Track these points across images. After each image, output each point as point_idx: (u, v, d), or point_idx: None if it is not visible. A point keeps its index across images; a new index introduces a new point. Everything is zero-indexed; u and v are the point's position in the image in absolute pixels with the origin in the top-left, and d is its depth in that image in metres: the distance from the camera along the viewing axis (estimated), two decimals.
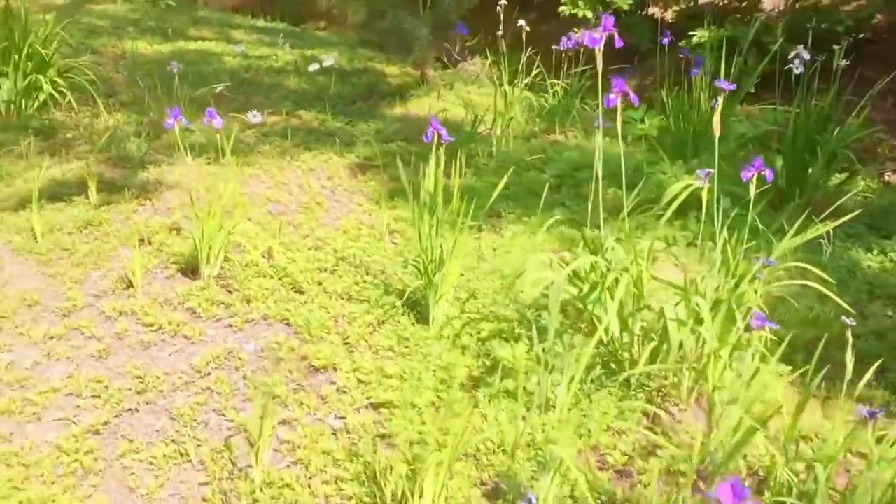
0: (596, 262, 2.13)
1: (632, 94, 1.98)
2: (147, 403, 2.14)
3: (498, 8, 4.87)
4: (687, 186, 2.29)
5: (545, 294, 2.51)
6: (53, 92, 4.30)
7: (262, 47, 6.72)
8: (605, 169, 3.91)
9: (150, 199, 3.37)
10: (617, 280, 2.16)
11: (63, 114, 4.41)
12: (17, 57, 4.14)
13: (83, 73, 4.57)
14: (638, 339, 2.13)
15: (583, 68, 4.87)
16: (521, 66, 4.83)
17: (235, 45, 6.74)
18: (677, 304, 2.05)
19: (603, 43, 1.98)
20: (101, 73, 4.89)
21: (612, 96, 1.98)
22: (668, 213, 2.34)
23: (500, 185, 2.60)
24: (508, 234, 3.14)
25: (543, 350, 1.97)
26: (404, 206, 3.40)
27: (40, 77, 4.23)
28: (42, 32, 4.38)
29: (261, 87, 5.37)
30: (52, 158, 3.74)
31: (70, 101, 4.36)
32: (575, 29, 6.25)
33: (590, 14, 6.21)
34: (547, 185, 3.70)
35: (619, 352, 2.20)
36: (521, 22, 4.82)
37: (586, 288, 2.18)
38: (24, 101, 4.27)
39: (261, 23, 8.99)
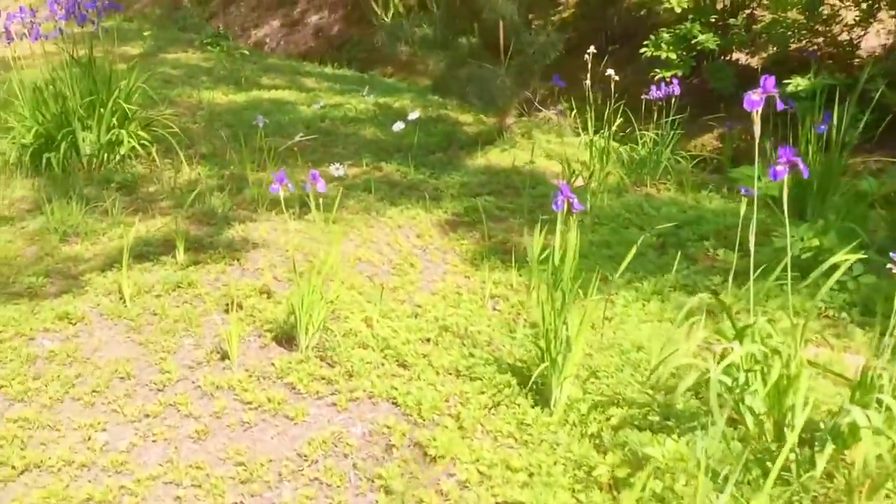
0: (752, 351, 1.90)
1: (801, 165, 1.77)
2: (252, 496, 1.97)
3: (586, 56, 4.71)
4: (841, 257, 2.05)
5: (675, 374, 2.30)
6: (137, 145, 4.26)
7: (335, 95, 6.69)
8: (710, 227, 3.73)
9: (238, 259, 3.25)
10: (769, 366, 1.93)
11: (144, 167, 4.38)
12: (101, 110, 4.12)
13: (163, 125, 4.54)
14: (799, 438, 1.88)
15: (673, 117, 4.67)
16: (606, 116, 4.66)
17: (308, 92, 6.73)
18: (852, 400, 1.81)
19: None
20: (179, 124, 4.87)
21: (779, 168, 1.77)
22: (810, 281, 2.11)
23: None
24: (620, 302, 2.92)
25: (705, 452, 1.74)
26: (503, 268, 3.22)
27: (122, 131, 4.20)
28: (125, 85, 4.37)
29: (338, 137, 5.29)
30: (136, 215, 3.67)
31: (152, 155, 4.31)
32: (657, 70, 6.08)
33: (673, 56, 6.02)
34: (650, 245, 3.51)
35: (774, 449, 1.95)
36: (610, 71, 4.65)
37: (739, 376, 1.95)
38: (107, 155, 4.25)
39: (329, 69, 9.02)
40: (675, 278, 3.09)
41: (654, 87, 4.74)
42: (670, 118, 4.65)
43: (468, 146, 5.18)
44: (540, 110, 6.21)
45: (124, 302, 2.87)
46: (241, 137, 4.82)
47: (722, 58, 6.48)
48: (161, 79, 6.47)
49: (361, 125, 5.64)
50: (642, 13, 6.90)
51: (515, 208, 3.98)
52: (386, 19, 7.41)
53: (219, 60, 7.64)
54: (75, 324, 2.74)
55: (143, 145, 4.35)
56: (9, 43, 4.10)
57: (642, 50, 6.28)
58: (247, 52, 7.99)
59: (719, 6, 6.44)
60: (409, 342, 2.61)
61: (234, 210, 3.80)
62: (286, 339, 2.64)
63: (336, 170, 4.17)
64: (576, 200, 2.19)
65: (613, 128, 4.70)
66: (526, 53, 4.93)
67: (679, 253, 3.41)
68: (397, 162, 4.66)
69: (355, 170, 4.54)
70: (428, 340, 2.65)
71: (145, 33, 9.36)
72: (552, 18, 8.04)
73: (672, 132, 4.68)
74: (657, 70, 6.08)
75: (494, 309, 2.95)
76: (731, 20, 6.34)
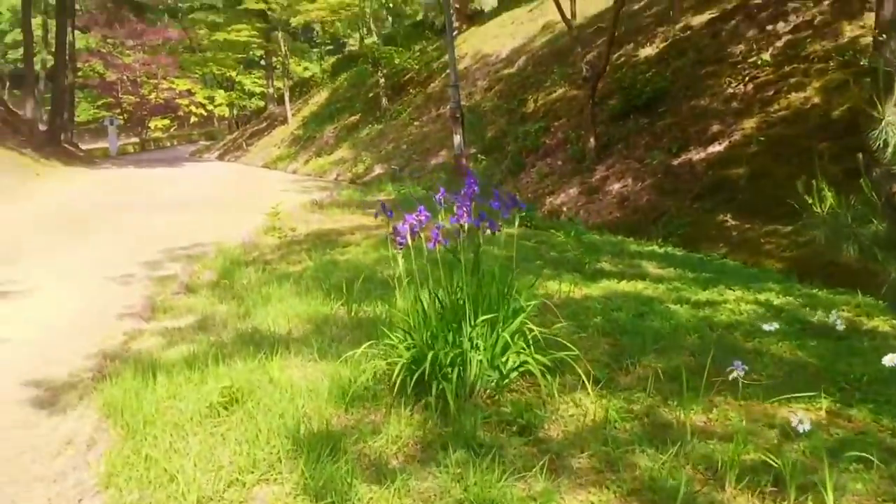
0: None
1: None
2: None
3: None
4: None
5: None
6: (535, 369, 3.50)
7: (694, 287, 5.73)
8: None
9: None
10: None
11: (533, 393, 3.60)
12: (497, 329, 3.44)
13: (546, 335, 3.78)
14: None
15: None
16: None
17: (660, 283, 5.85)
18: None
19: None
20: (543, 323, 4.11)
21: None
22: None
23: None
24: None
25: None
26: None
27: (521, 354, 3.47)
28: (515, 294, 3.70)
29: (744, 355, 4.24)
30: (553, 478, 2.82)
31: (548, 381, 3.53)
32: None
33: None
34: None
35: None
36: None
37: None
38: (494, 380, 3.53)
39: (655, 247, 8.18)
40: None
41: None
42: None
43: None
44: None
45: None
46: (629, 351, 3.97)
47: None
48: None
49: (762, 336, 4.56)
50: None
51: None
52: (819, 211, 6.41)
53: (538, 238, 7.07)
54: None
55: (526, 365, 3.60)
56: (400, 247, 3.60)
57: None
58: (597, 238, 7.33)
59: None
60: None
61: (692, 486, 2.81)
62: None
63: (799, 422, 3.08)
64: None
65: None
66: None
67: None
68: (868, 408, 3.48)
69: (810, 414, 3.41)
70: None
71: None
72: None
73: None
74: None
75: None
76: None
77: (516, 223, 3.80)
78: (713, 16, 12.97)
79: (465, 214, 3.58)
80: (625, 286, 5.70)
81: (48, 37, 29.69)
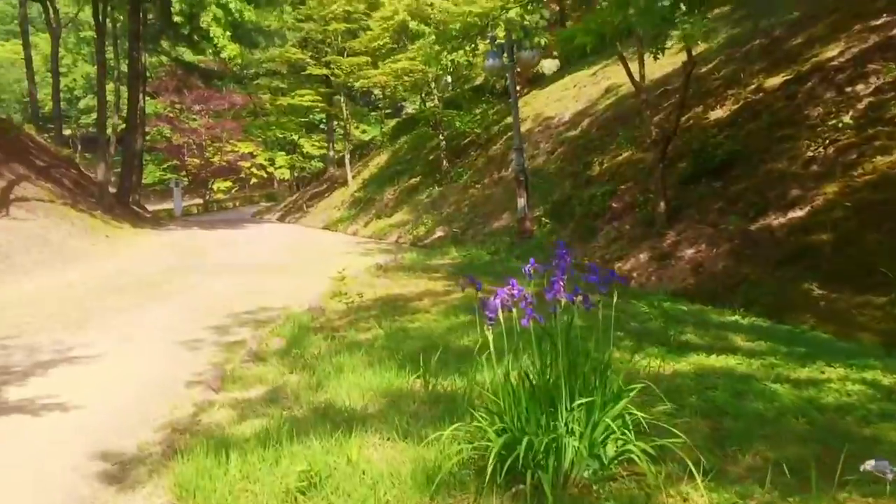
0: None
1: None
2: None
3: None
4: None
5: None
6: (639, 457, 3.23)
7: (789, 362, 5.39)
8: None
9: None
10: None
11: (632, 486, 3.32)
12: (598, 414, 3.20)
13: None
14: None
15: None
16: None
17: (752, 358, 5.51)
18: None
19: None
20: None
21: None
22: None
23: None
24: None
25: None
26: None
27: (626, 442, 3.22)
28: (613, 374, 3.45)
29: (862, 444, 3.89)
30: None
31: (653, 472, 3.25)
32: None
33: None
34: None
35: None
36: None
37: None
38: (591, 469, 3.27)
39: (738, 317, 7.81)
40: None
41: None
42: None
43: None
44: None
45: None
46: (733, 437, 3.67)
47: None
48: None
49: (878, 422, 4.20)
50: None
51: None
52: None
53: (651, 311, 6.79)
54: None
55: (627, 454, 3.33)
56: (490, 322, 3.41)
57: None
58: (686, 309, 7.05)
59: None
60: None
61: None
62: None
63: None
64: None
65: None
66: None
67: None
68: None
69: None
70: None
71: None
72: None
73: None
74: None
75: None
76: None
77: (615, 299, 3.58)
78: (787, 78, 12.69)
79: (559, 289, 3.38)
80: (715, 361, 5.38)
81: (119, 102, 30.92)
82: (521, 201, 15.57)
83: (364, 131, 50.82)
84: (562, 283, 3.36)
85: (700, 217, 11.59)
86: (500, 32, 14.71)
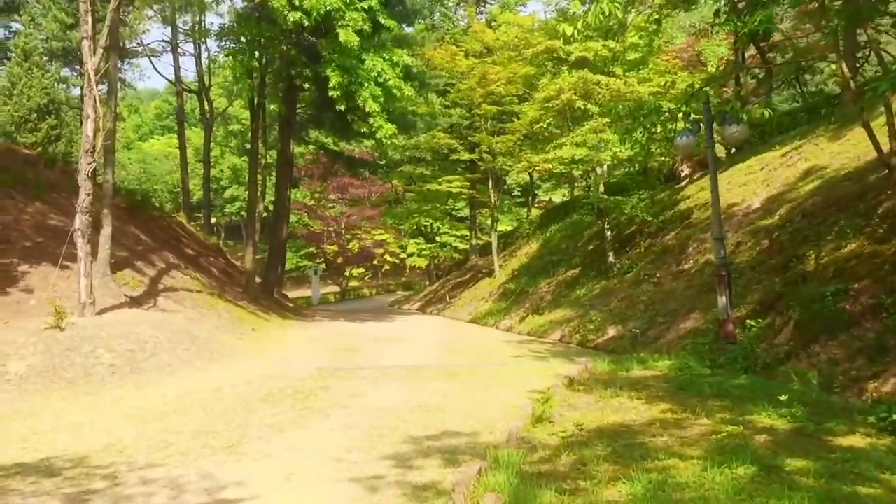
0: None
1: None
2: None
3: None
4: None
5: None
6: None
7: None
8: None
9: None
10: None
11: None
12: None
13: None
14: None
15: None
16: None
17: None
18: None
19: None
20: None
21: None
22: None
23: None
24: None
25: None
26: None
27: None
28: None
29: None
30: None
31: None
32: None
33: None
34: None
35: None
36: None
37: None
38: None
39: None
40: None
41: None
42: None
43: None
44: None
45: None
46: None
47: None
48: None
49: None
50: None
51: None
52: None
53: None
54: None
55: None
56: None
57: None
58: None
59: None
60: None
61: None
62: None
63: None
64: None
65: None
66: None
67: None
68: None
69: None
70: None
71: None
72: None
73: None
74: None
75: None
76: None
77: None
78: None
79: None
80: None
81: (263, 191, 31.31)
82: (723, 300, 13.45)
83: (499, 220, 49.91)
84: None
85: None
86: (695, 106, 13.01)
